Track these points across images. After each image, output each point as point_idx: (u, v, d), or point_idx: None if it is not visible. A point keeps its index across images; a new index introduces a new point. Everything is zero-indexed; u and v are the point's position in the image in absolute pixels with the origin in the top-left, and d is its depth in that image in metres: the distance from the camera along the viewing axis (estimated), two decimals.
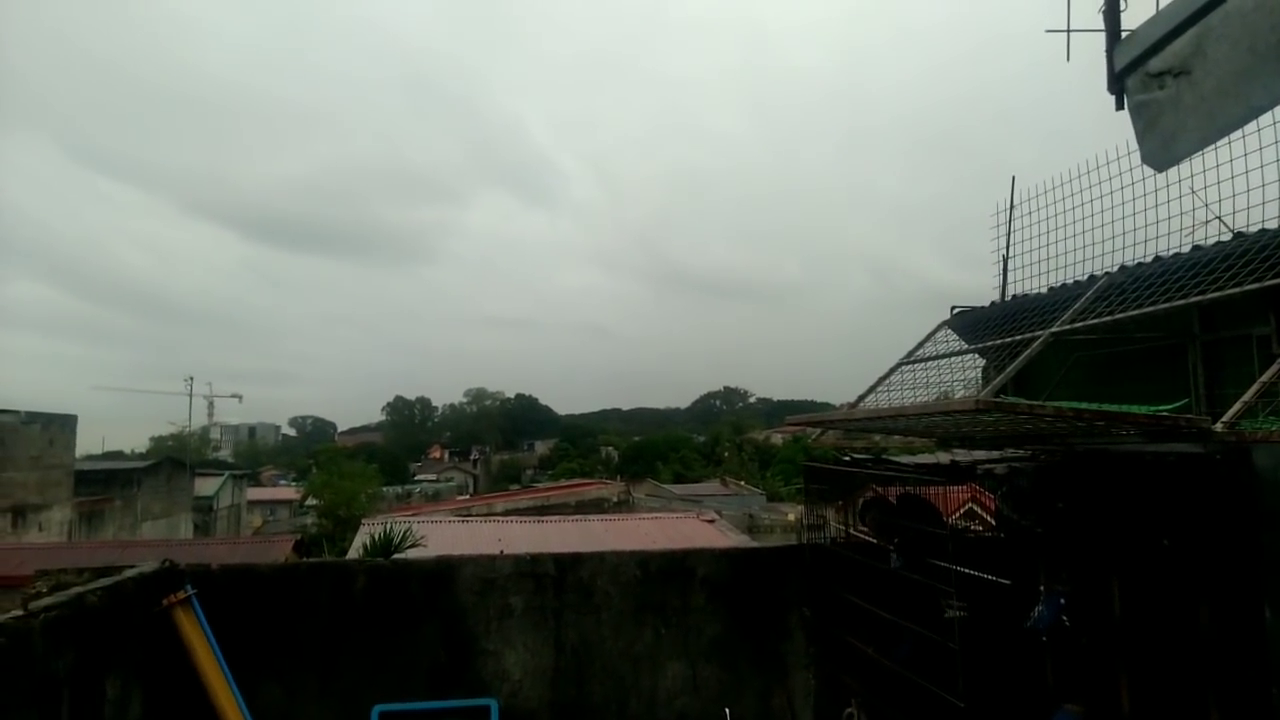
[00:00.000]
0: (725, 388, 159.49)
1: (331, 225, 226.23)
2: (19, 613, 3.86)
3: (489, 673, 5.96)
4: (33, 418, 28.58)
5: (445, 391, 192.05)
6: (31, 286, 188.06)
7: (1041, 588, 4.52)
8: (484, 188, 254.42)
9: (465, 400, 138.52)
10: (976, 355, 6.06)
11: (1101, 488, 4.08)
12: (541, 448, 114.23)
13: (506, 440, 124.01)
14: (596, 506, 23.78)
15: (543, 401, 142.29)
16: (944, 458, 5.91)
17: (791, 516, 27.59)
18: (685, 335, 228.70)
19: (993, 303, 6.60)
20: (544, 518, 19.67)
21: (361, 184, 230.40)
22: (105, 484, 33.71)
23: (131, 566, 5.41)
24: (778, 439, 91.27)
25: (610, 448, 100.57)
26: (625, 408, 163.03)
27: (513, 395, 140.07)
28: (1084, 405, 3.52)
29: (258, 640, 5.68)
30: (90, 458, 45.96)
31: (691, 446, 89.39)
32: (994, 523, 5.77)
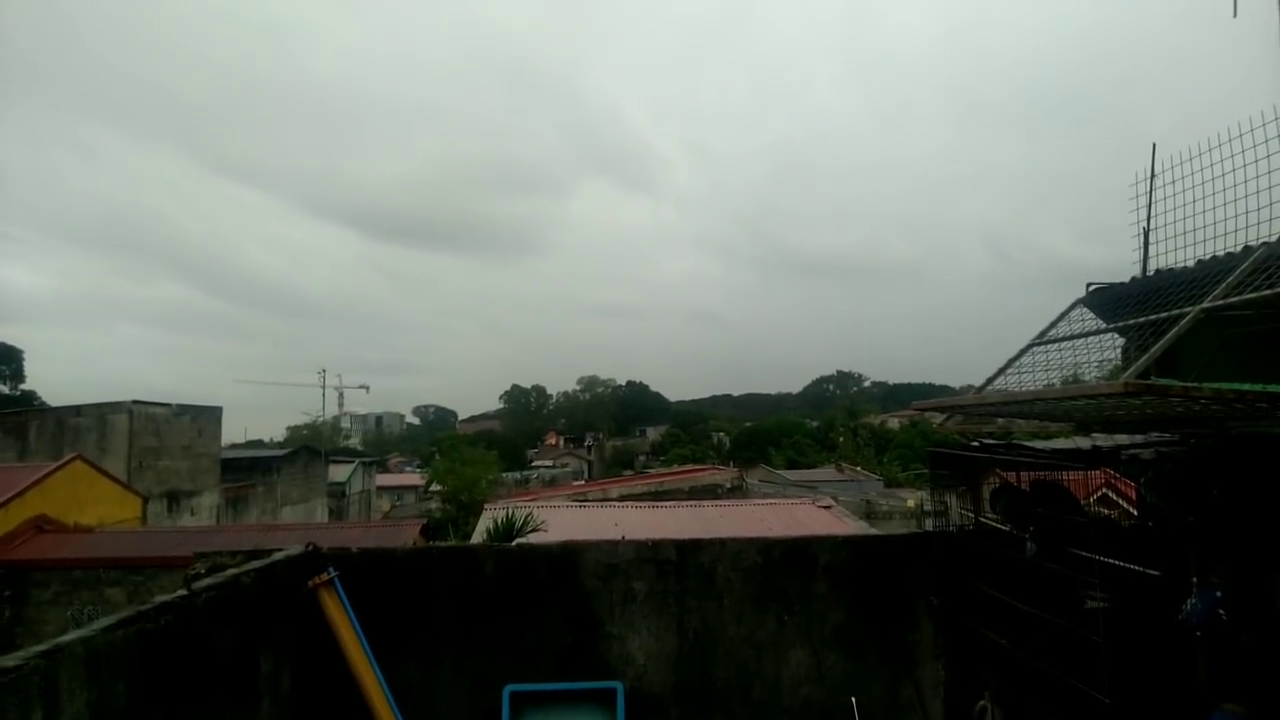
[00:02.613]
0: (838, 371, 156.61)
1: (443, 220, 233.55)
2: (183, 592, 4.15)
3: (614, 656, 6.06)
4: (183, 410, 30.65)
5: (559, 379, 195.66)
6: (174, 287, 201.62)
7: (1194, 580, 4.27)
8: (586, 177, 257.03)
9: (578, 388, 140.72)
10: (1115, 335, 5.73)
11: (1263, 473, 3.81)
12: (653, 434, 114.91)
13: (618, 426, 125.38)
14: (710, 492, 23.79)
15: (653, 388, 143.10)
16: (1081, 442, 5.62)
17: (911, 502, 26.88)
18: (795, 318, 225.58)
19: (1133, 278, 6.23)
20: (659, 503, 19.81)
21: (469, 178, 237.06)
22: (248, 471, 35.90)
23: (279, 550, 5.75)
24: (894, 423, 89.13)
25: (721, 433, 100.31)
26: (736, 393, 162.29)
27: (624, 382, 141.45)
28: (1245, 386, 3.28)
29: (395, 621, 5.94)
30: (234, 446, 48.89)
31: (804, 431, 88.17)
32: (1136, 510, 5.47)
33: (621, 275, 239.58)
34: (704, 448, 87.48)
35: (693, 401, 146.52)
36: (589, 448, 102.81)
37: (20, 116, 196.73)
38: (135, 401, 28.58)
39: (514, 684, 5.78)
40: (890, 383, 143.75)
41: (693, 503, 19.33)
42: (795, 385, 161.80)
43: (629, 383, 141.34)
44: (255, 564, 5.16)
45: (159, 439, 28.99)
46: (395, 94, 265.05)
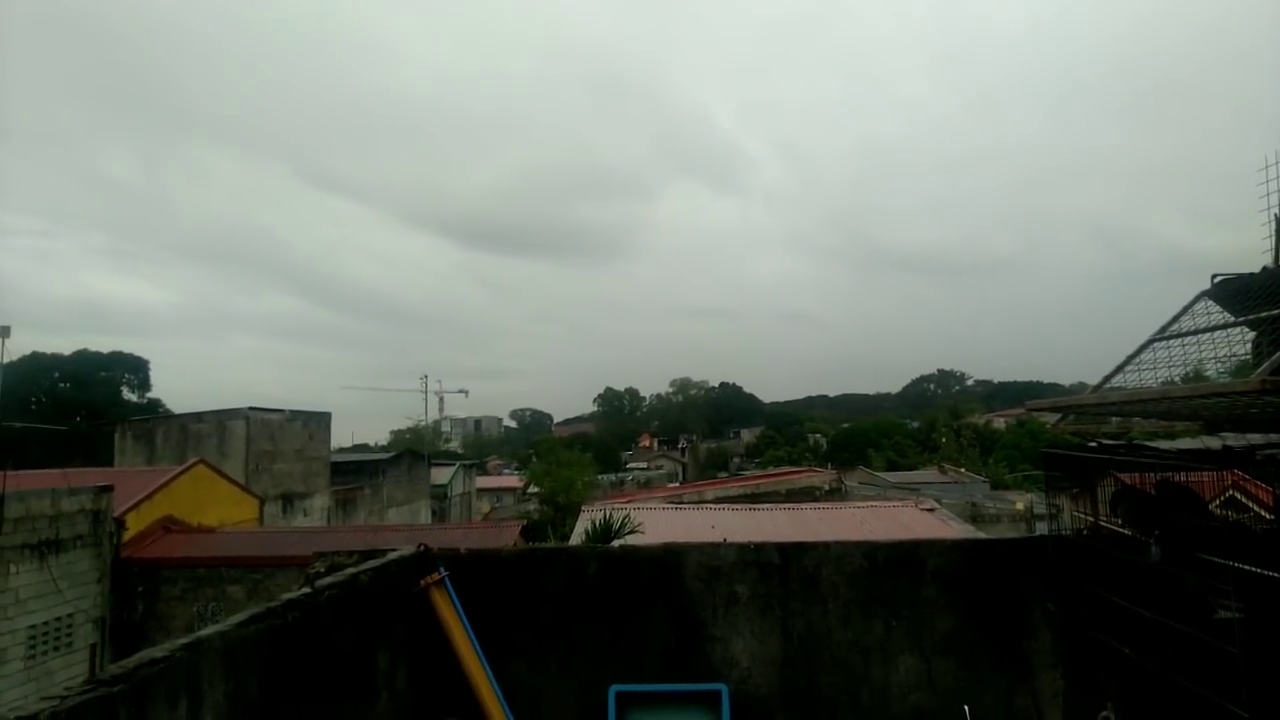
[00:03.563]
0: (939, 370, 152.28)
1: (534, 227, 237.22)
2: (308, 590, 4.34)
3: (717, 658, 6.05)
4: (295, 415, 32.01)
5: (652, 382, 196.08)
6: (283, 299, 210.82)
7: None
8: (673, 179, 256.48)
9: (671, 390, 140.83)
10: (1245, 329, 5.41)
11: None
12: (747, 435, 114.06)
13: (712, 428, 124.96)
14: (808, 495, 23.50)
15: (747, 390, 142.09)
16: (1210, 442, 5.32)
17: (1020, 505, 25.92)
18: (892, 317, 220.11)
19: (1264, 268, 5.86)
20: (755, 505, 19.66)
21: (558, 185, 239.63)
22: (356, 474, 37.20)
23: (392, 550, 5.95)
24: (999, 423, 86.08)
25: (818, 435, 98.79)
26: (832, 394, 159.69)
27: (717, 384, 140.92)
28: None
29: (502, 620, 6.08)
30: (341, 450, 50.75)
31: (904, 432, 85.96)
32: (1271, 514, 5.15)
33: (712, 277, 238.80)
34: (800, 449, 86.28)
35: (787, 403, 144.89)
36: (683, 450, 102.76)
37: (140, 143, 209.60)
38: (251, 408, 29.97)
39: (619, 684, 5.83)
40: (995, 381, 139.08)
41: (790, 505, 19.11)
42: (894, 385, 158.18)
43: (722, 384, 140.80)
44: (371, 563, 5.35)
45: (273, 443, 30.32)
46: (485, 106, 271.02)
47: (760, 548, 6.30)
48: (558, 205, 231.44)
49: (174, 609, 16.88)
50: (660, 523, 15.90)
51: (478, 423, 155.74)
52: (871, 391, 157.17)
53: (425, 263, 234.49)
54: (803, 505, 19.08)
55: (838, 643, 6.04)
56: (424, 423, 67.68)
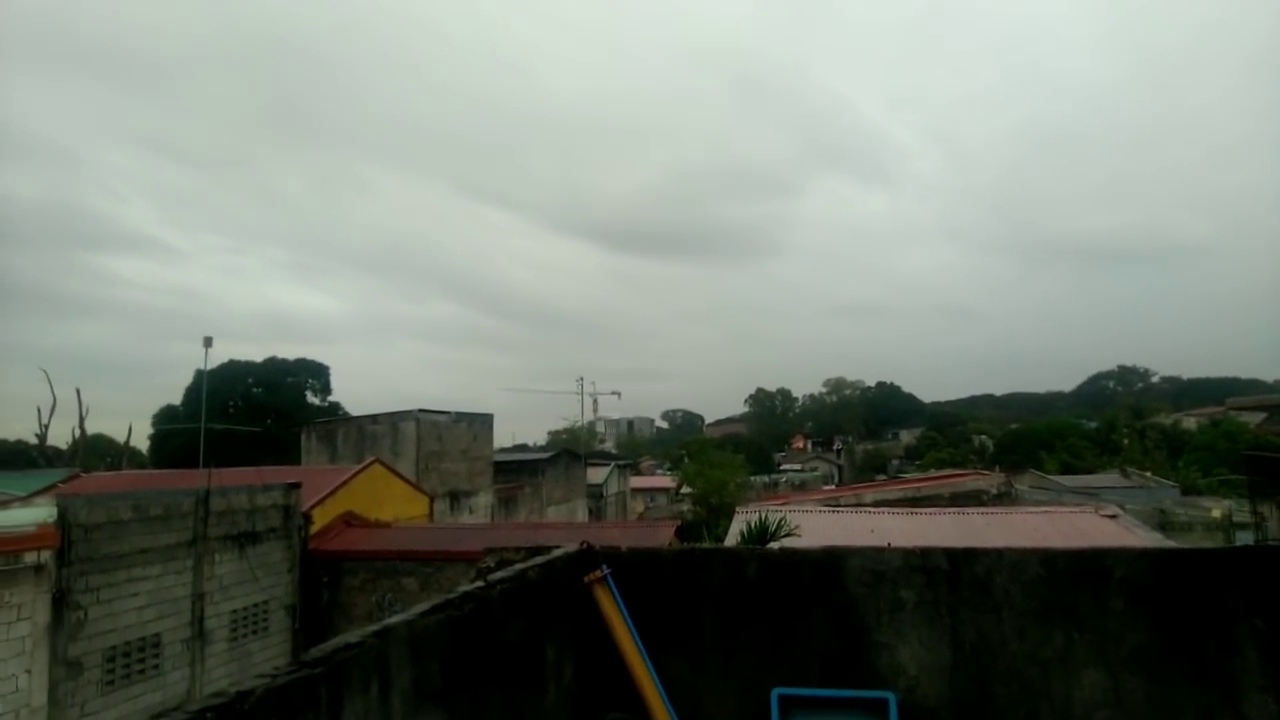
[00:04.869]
0: (1119, 367, 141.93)
1: (679, 228, 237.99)
2: (481, 584, 4.54)
3: (883, 665, 5.88)
4: (460, 417, 33.56)
5: (804, 382, 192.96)
6: (443, 305, 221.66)
7: None
8: (818, 175, 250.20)
9: (825, 390, 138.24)
10: None
11: None
12: (906, 437, 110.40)
13: (869, 429, 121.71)
14: (973, 499, 22.45)
15: (905, 389, 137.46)
16: None
17: (1216, 512, 23.74)
18: (1063, 310, 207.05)
19: None
20: (917, 509, 18.99)
21: (702, 186, 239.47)
22: (516, 473, 38.62)
23: (557, 547, 6.14)
24: (1190, 423, 79.42)
25: (983, 436, 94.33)
26: (998, 393, 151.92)
27: (873, 383, 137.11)
28: None
29: (663, 618, 6.14)
30: (502, 450, 52.73)
31: (1080, 433, 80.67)
32: None
33: (863, 272, 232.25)
34: (964, 451, 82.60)
35: (949, 402, 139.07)
36: (838, 451, 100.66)
37: (312, 163, 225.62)
38: (421, 410, 31.66)
39: (781, 687, 5.77)
40: (1183, 378, 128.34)
41: (955, 510, 18.34)
42: (1067, 383, 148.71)
43: (879, 384, 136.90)
44: (538, 559, 5.54)
45: (441, 444, 31.90)
46: (627, 111, 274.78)
47: (927, 553, 6.08)
48: (703, 206, 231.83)
49: (355, 598, 18.05)
50: (817, 526, 15.64)
51: (630, 423, 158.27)
52: (1042, 390, 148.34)
53: (574, 267, 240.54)
54: (968, 510, 18.26)
55: (1013, 654, 5.74)
56: (579, 423, 69.45)
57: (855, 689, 5.82)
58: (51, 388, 44.55)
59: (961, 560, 5.98)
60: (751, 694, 5.87)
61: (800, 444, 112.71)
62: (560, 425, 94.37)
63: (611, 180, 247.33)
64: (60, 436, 47.43)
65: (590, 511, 44.51)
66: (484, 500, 33.46)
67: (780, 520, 12.57)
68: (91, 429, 46.35)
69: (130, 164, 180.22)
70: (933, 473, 46.08)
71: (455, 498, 31.34)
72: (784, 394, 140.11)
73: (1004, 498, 22.91)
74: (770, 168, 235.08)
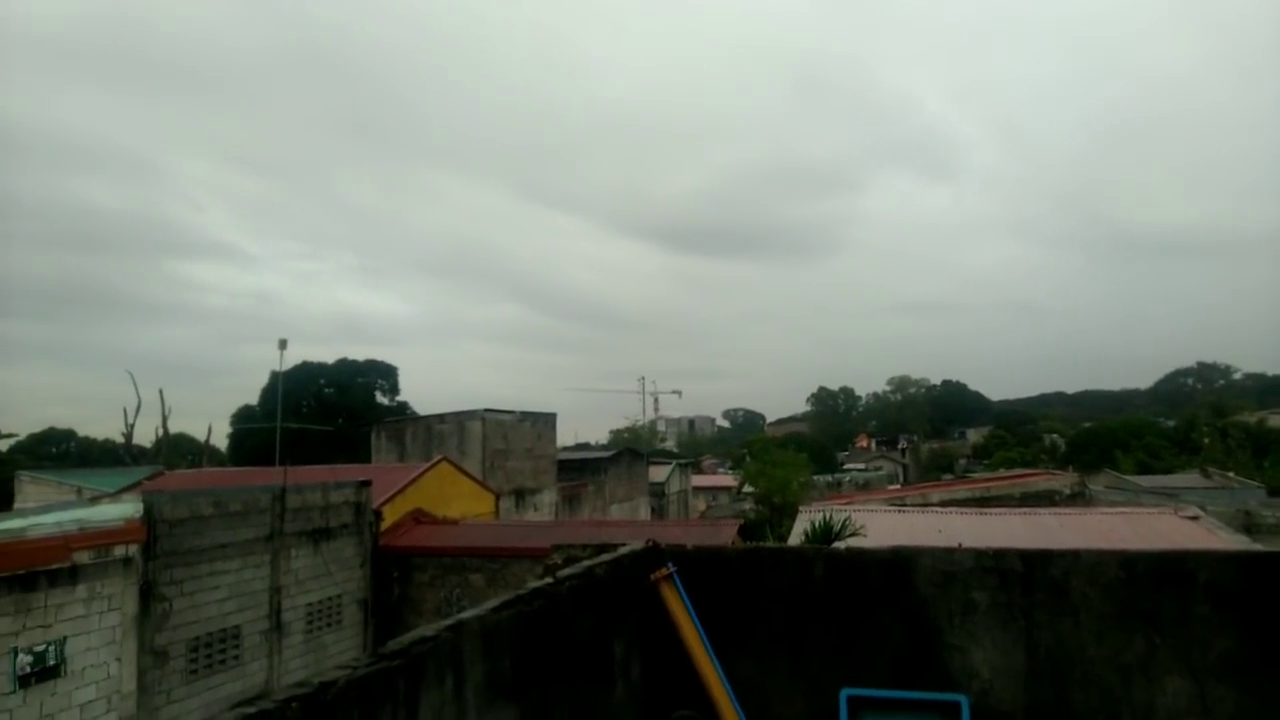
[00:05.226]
0: (1199, 363, 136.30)
1: (739, 227, 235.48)
2: (550, 580, 4.60)
3: (955, 668, 5.78)
4: (525, 416, 33.93)
5: (868, 380, 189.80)
6: (508, 307, 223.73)
7: None
8: (882, 170, 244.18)
9: (889, 388, 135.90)
10: None
11: None
12: (974, 436, 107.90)
13: (934, 428, 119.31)
14: (1045, 499, 21.85)
15: (972, 387, 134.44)
16: None
17: None
18: (1138, 305, 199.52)
19: None
20: (985, 509, 18.56)
21: (762, 184, 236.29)
22: (580, 471, 38.88)
23: (623, 544, 6.18)
24: (1276, 421, 76.08)
25: (1054, 435, 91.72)
26: (1070, 390, 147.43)
27: (938, 381, 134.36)
28: None
29: (729, 616, 6.13)
30: (565, 448, 53.12)
31: (1158, 432, 77.73)
32: None
33: (928, 269, 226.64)
34: (1034, 451, 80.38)
35: (1018, 400, 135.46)
36: (903, 450, 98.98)
37: (380, 170, 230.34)
38: (486, 409, 32.09)
39: (850, 688, 5.71)
40: (1269, 374, 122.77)
41: (1026, 510, 17.86)
42: (1143, 380, 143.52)
43: (944, 382, 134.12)
44: (605, 557, 5.59)
45: (506, 442, 32.30)
46: (688, 111, 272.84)
47: (1000, 554, 5.96)
48: (763, 205, 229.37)
49: (424, 593, 18.41)
50: (882, 525, 15.40)
51: (691, 422, 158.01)
52: (1117, 387, 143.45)
53: (636, 267, 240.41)
54: (1040, 510, 17.76)
55: (1091, 659, 5.59)
56: (641, 422, 69.66)
57: (926, 691, 5.73)
58: (137, 389, 46.42)
59: (1036, 562, 5.85)
60: (820, 694, 5.83)
61: (864, 443, 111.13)
62: (622, 424, 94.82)
63: (672, 181, 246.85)
64: (145, 435, 49.59)
65: (652, 510, 44.58)
66: (548, 498, 33.77)
67: (845, 520, 12.44)
68: (173, 428, 48.17)
69: (208, 174, 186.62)
70: (1002, 472, 45.01)
71: (520, 495, 31.70)
72: (847, 392, 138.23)
73: (1077, 498, 22.26)
74: (832, 164, 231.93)
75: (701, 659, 5.77)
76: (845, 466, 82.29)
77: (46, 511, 15.32)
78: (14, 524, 13.33)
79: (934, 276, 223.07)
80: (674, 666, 5.82)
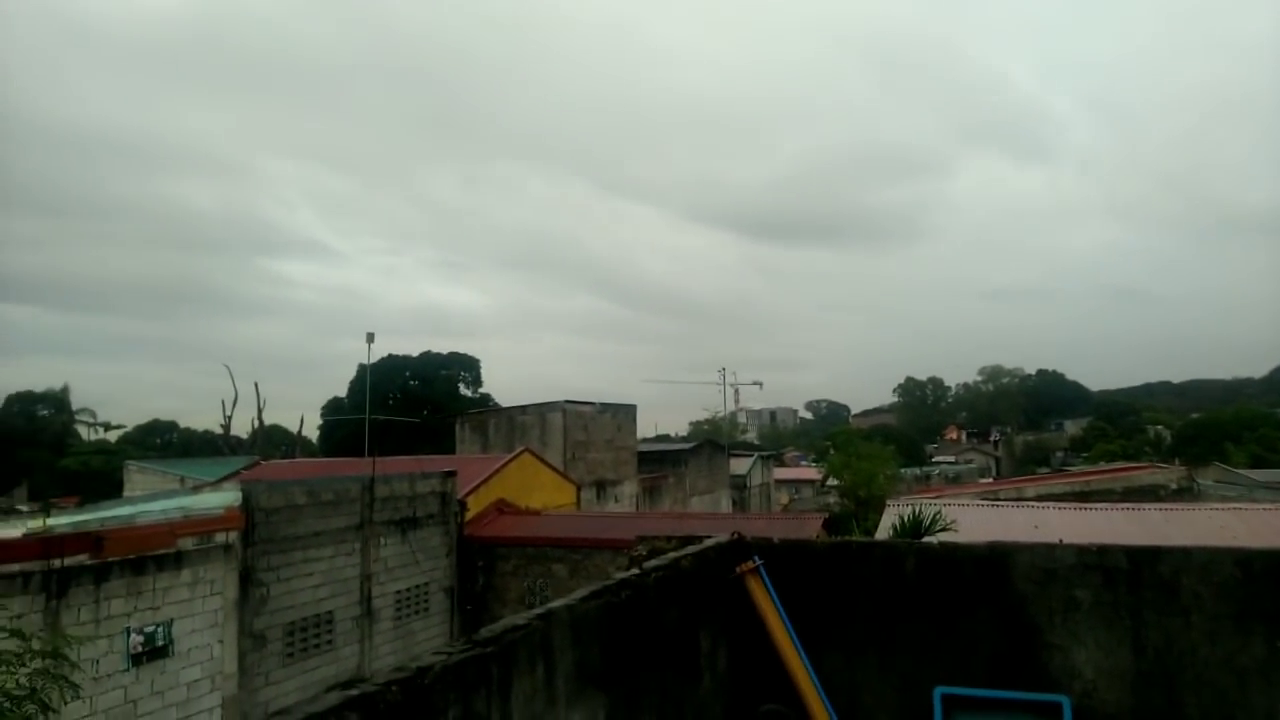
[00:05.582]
0: None
1: (821, 215, 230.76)
2: (637, 571, 4.58)
3: (1055, 667, 5.56)
4: (605, 408, 34.14)
5: (957, 370, 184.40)
6: (585, 299, 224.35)
7: None
8: (968, 153, 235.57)
9: (980, 379, 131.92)
10: None
11: None
12: (1072, 427, 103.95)
13: (1029, 420, 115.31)
14: (1149, 494, 20.92)
15: (1070, 376, 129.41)
16: None
17: None
18: (1250, 289, 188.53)
19: None
20: (1085, 504, 17.86)
21: (842, 170, 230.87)
22: (660, 463, 38.92)
23: (708, 536, 6.13)
24: None
25: (1159, 426, 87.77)
26: (1176, 380, 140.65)
27: (1033, 371, 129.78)
28: None
29: (817, 610, 6.02)
30: (645, 440, 53.27)
31: (1273, 423, 73.69)
32: None
33: (1020, 254, 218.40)
34: (1137, 443, 76.99)
35: (1119, 391, 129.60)
36: (995, 443, 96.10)
37: (459, 166, 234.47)
38: (567, 401, 32.42)
39: (944, 685, 5.55)
40: None
41: (1129, 505, 17.11)
42: (1257, 368, 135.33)
43: (1039, 371, 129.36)
44: (690, 549, 5.55)
45: (586, 434, 32.56)
46: (765, 97, 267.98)
47: (1104, 550, 5.70)
48: (844, 190, 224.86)
49: (508, 583, 18.71)
50: (974, 520, 14.98)
51: (773, 414, 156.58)
52: (1228, 376, 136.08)
53: (714, 257, 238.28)
54: (1144, 505, 17.01)
55: (1204, 661, 5.30)
56: (721, 414, 69.41)
57: (1024, 691, 5.53)
58: (234, 382, 48.60)
59: (1144, 559, 5.58)
60: (912, 691, 5.68)
61: (954, 435, 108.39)
62: (702, 416, 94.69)
63: (750, 169, 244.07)
64: (241, 427, 51.67)
65: (734, 502, 44.36)
66: (629, 489, 33.93)
67: (935, 514, 12.16)
68: (267, 420, 50.35)
69: (296, 173, 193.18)
70: (1102, 466, 43.28)
71: (601, 487, 31.94)
72: (935, 383, 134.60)
73: (1185, 493, 21.24)
74: (916, 148, 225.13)
75: (789, 652, 5.69)
76: (934, 459, 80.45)
77: (153, 499, 16.15)
78: (124, 511, 14.10)
79: (1027, 262, 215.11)
80: (760, 660, 5.75)
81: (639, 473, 35.41)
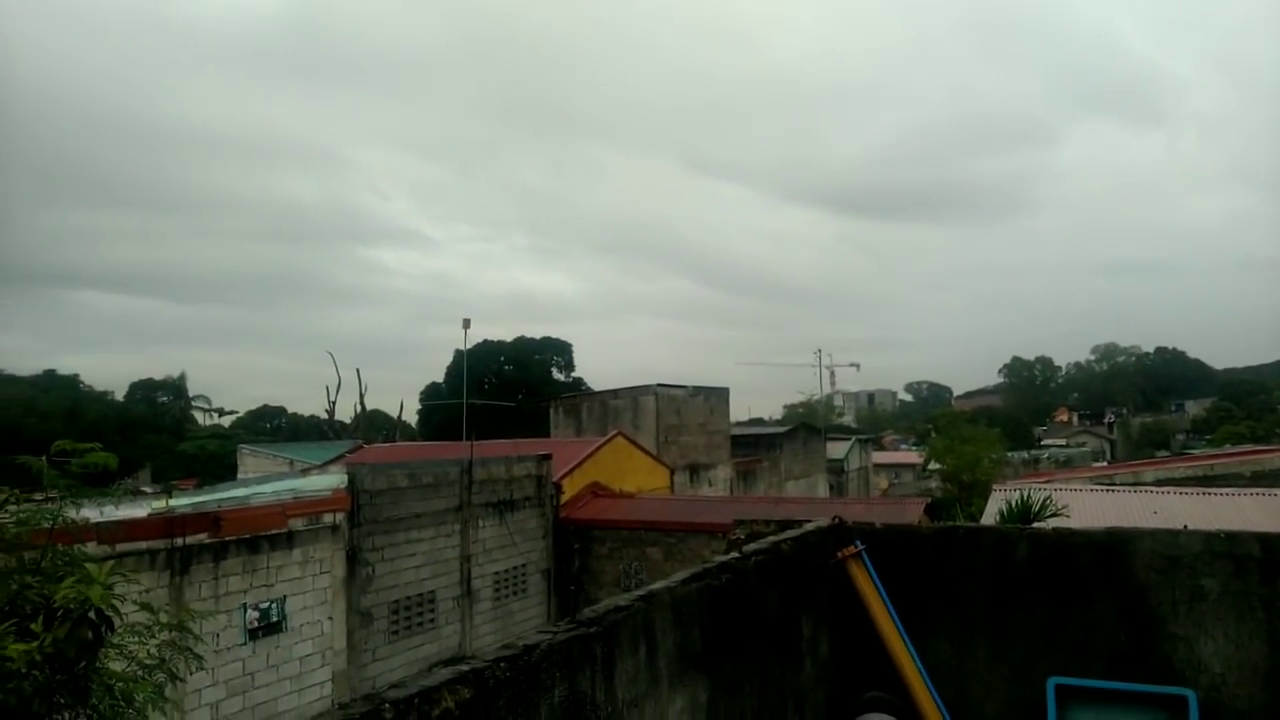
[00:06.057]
0: None
1: (919, 189, 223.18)
2: (736, 555, 4.53)
3: (1180, 660, 5.26)
4: (697, 391, 34.07)
5: (1068, 349, 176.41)
6: (675, 281, 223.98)
7: None
8: (1078, 119, 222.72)
9: (1092, 358, 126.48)
10: None
11: None
12: (1194, 408, 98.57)
13: (1147, 401, 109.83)
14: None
15: (1191, 354, 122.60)
16: None
17: None
18: None
19: None
20: (1209, 489, 16.90)
21: (941, 143, 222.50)
22: (754, 446, 38.65)
23: (808, 521, 6.02)
24: None
25: None
26: None
27: (1151, 349, 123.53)
28: None
29: (922, 597, 5.85)
30: (738, 424, 52.97)
31: None
32: None
33: (1136, 226, 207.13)
34: (1267, 424, 72.33)
35: (1248, 369, 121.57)
36: (1109, 425, 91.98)
37: (547, 151, 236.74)
38: (659, 385, 32.47)
39: (1058, 676, 5.33)
40: None
41: (1259, 490, 16.09)
42: None
43: (1158, 349, 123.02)
44: (790, 533, 5.46)
45: (679, 417, 32.56)
46: (858, 69, 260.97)
47: (1233, 537, 5.36)
48: (944, 164, 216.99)
49: (604, 565, 18.89)
50: (1087, 506, 14.39)
51: (871, 396, 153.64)
52: None
53: (807, 236, 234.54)
54: (1275, 491, 15.98)
55: None
56: (817, 397, 68.51)
57: (1146, 683, 5.26)
58: (337, 368, 50.50)
59: (1279, 547, 5.21)
60: (1023, 682, 5.48)
61: (1064, 417, 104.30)
62: (796, 399, 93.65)
63: (843, 143, 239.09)
64: (344, 411, 53.67)
65: (830, 487, 43.76)
66: (722, 473, 33.81)
67: (1045, 499, 11.72)
68: (369, 405, 52.05)
69: (390, 164, 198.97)
70: (1228, 448, 40.85)
71: (694, 470, 31.92)
72: (1044, 363, 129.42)
73: None
74: (1021, 116, 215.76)
75: (893, 639, 5.55)
76: (1043, 442, 77.62)
77: (265, 481, 16.89)
78: (239, 493, 14.80)
79: (1144, 234, 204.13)
80: (863, 646, 5.63)
81: (732, 457, 35.25)
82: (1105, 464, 50.20)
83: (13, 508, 3.67)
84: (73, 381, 62.51)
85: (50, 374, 62.59)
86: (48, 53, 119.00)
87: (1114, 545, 5.55)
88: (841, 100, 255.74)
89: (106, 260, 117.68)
